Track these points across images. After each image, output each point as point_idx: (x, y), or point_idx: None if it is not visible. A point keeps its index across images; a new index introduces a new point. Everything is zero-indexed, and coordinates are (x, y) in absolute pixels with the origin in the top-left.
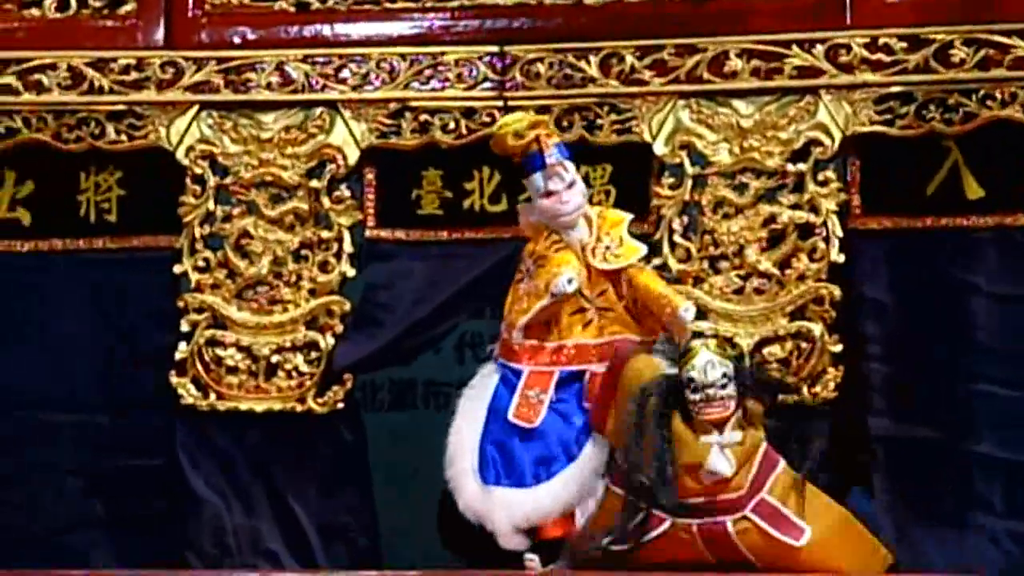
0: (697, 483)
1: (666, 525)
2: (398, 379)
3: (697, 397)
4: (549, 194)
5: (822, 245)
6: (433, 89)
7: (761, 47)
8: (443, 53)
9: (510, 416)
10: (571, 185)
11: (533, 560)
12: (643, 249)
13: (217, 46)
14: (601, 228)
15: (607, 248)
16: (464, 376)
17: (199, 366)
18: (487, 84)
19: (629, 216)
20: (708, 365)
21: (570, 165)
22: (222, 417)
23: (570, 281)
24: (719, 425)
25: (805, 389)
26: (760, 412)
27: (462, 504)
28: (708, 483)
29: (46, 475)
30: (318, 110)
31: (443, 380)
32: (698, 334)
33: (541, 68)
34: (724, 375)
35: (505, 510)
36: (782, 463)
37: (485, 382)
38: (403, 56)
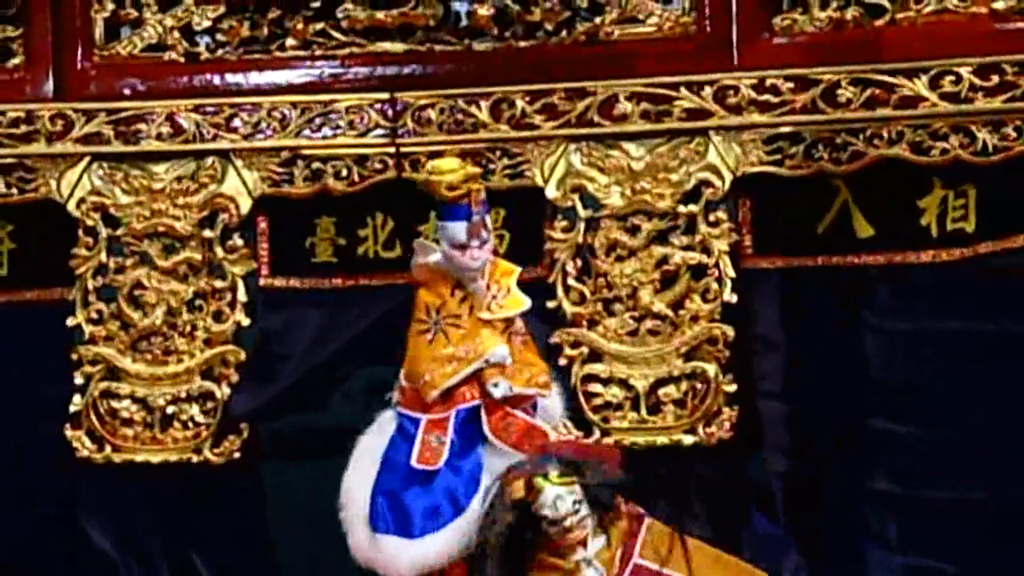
0: None
1: None
2: (306, 426)
3: (555, 530)
4: (463, 247)
5: (715, 285)
6: (325, 136)
7: (650, 90)
8: (334, 100)
9: (413, 463)
10: (483, 244)
11: None
12: (527, 302)
13: (107, 97)
14: (491, 276)
15: (493, 298)
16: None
17: (94, 418)
18: (379, 131)
19: (518, 269)
20: (557, 500)
21: (489, 222)
22: (118, 469)
23: (505, 355)
24: (583, 543)
25: (701, 429)
26: (619, 505)
27: (352, 546)
28: None
29: None
30: (210, 159)
31: (351, 426)
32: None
33: (432, 114)
34: (575, 502)
35: (392, 558)
36: (647, 521)
37: (382, 429)
38: (294, 104)
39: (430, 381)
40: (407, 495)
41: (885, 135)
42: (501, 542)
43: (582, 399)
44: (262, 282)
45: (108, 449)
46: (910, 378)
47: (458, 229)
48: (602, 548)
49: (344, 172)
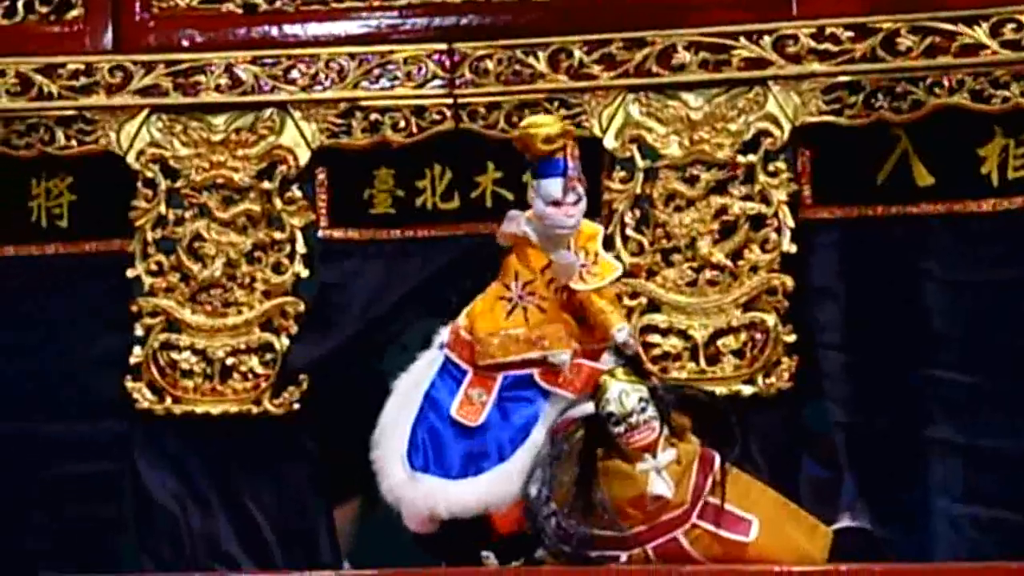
0: (642, 512)
1: (623, 558)
2: (365, 378)
3: (620, 429)
4: (558, 203)
5: (774, 236)
6: (382, 88)
7: (709, 39)
8: (392, 52)
9: (452, 413)
10: (578, 201)
11: (489, 557)
12: (619, 268)
13: (165, 49)
14: (576, 242)
15: (583, 266)
16: None
17: (154, 370)
18: (436, 82)
19: (600, 229)
20: (622, 394)
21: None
22: (178, 421)
23: (566, 361)
24: (650, 449)
25: (760, 379)
26: (688, 425)
27: (384, 486)
28: (653, 508)
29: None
30: (268, 111)
31: None
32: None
33: (490, 65)
34: (640, 399)
35: (427, 498)
36: (718, 460)
37: (424, 368)
38: (352, 56)
39: (488, 351)
40: (450, 436)
41: (945, 83)
42: (574, 463)
43: (640, 349)
44: (321, 234)
45: (168, 400)
46: (971, 328)
47: (554, 185)
48: (671, 462)
49: (402, 123)
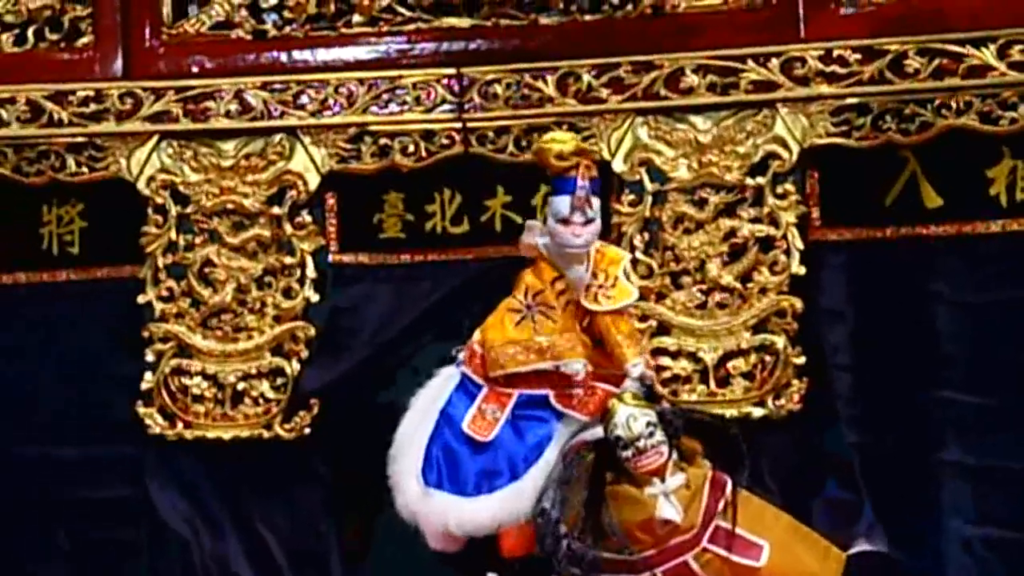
0: (652, 535)
1: None
2: (376, 402)
3: (628, 453)
4: (566, 221)
5: (783, 258)
6: (392, 113)
7: (716, 62)
8: (400, 77)
9: (464, 427)
10: (589, 222)
11: None
12: (635, 293)
13: (175, 75)
14: (598, 264)
15: (600, 287)
16: None
17: (165, 395)
18: (445, 106)
19: (627, 255)
20: (629, 419)
21: (596, 202)
22: (189, 445)
23: (580, 370)
24: (659, 474)
25: (770, 402)
26: (698, 448)
27: (400, 502)
28: (662, 532)
29: (14, 508)
30: (277, 136)
31: None
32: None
33: (499, 89)
34: (648, 424)
35: (440, 514)
36: (729, 484)
37: (442, 384)
38: (361, 81)
39: (500, 361)
40: (464, 453)
41: (953, 105)
42: (583, 487)
43: (655, 378)
44: (331, 258)
45: (180, 426)
46: (980, 348)
47: (563, 202)
48: (680, 487)
49: (411, 148)
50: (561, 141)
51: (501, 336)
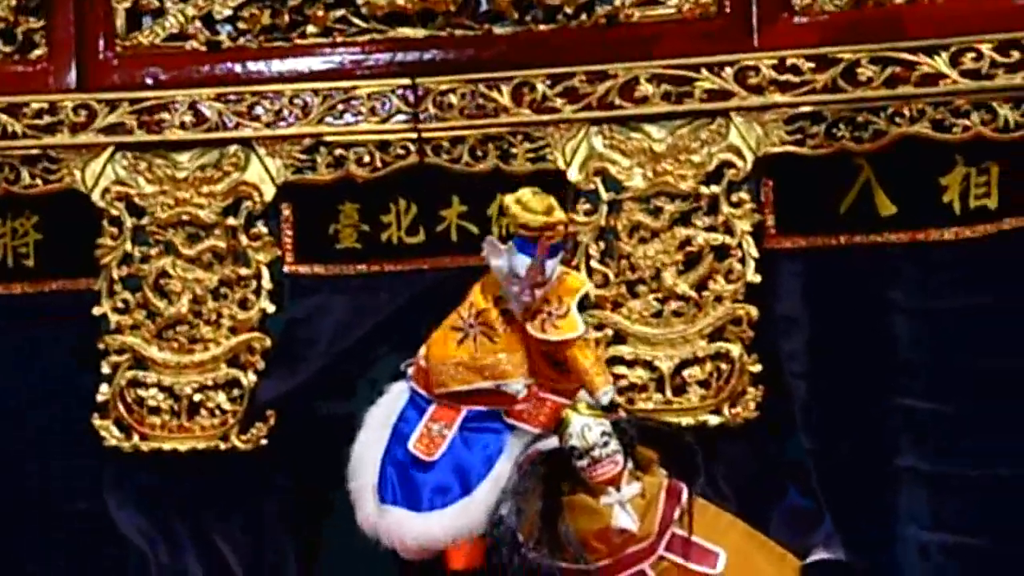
0: (608, 545)
1: None
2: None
3: (584, 463)
4: (517, 277)
5: (738, 266)
6: (347, 123)
7: (671, 71)
8: (355, 87)
9: (410, 446)
10: (537, 287)
11: None
12: (582, 330)
13: (129, 87)
14: (555, 290)
15: (549, 315)
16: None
17: (121, 407)
18: (400, 116)
19: (587, 286)
20: (584, 429)
21: (551, 264)
22: (146, 458)
23: (520, 390)
24: (614, 483)
25: (726, 410)
26: (653, 457)
27: (360, 518)
28: (618, 541)
29: None
30: (232, 148)
31: None
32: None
33: (454, 99)
34: (603, 433)
35: (396, 530)
36: (686, 492)
37: (393, 400)
38: (315, 91)
39: (441, 380)
40: (413, 469)
41: (906, 113)
42: (539, 497)
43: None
44: (287, 269)
45: (136, 438)
46: (935, 355)
47: (521, 262)
48: (635, 495)
49: (367, 158)
50: (532, 211)
51: (443, 353)
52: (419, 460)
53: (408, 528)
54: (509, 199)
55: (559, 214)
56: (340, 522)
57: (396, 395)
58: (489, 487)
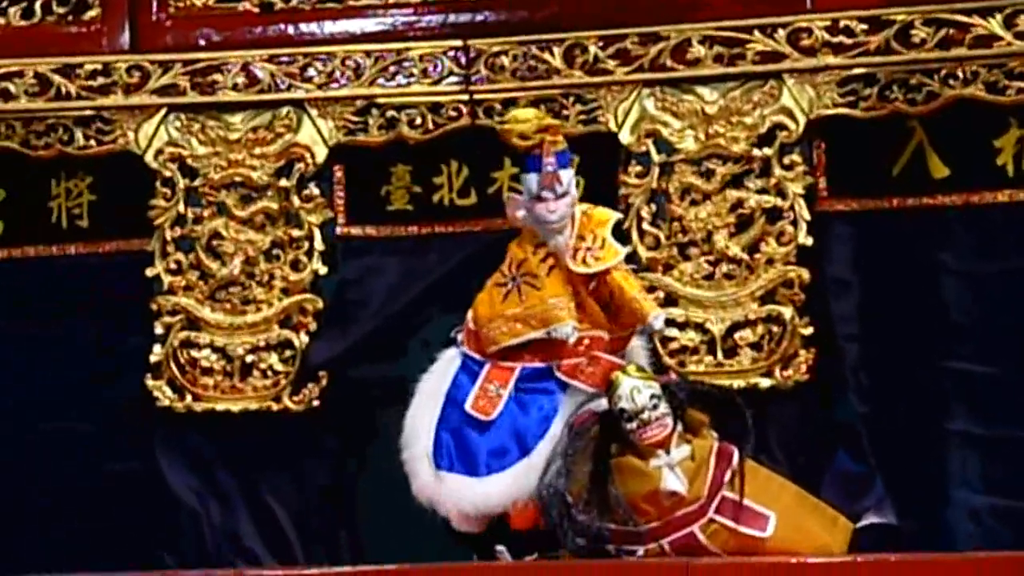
0: (656, 507)
1: (639, 553)
2: (384, 375)
3: (633, 425)
4: (539, 198)
5: (790, 228)
6: (399, 85)
7: (723, 33)
8: (407, 49)
9: (467, 407)
10: (562, 196)
11: (503, 552)
12: (623, 251)
13: (182, 48)
14: (585, 227)
15: (588, 250)
16: None
17: (174, 368)
18: (452, 78)
19: (616, 215)
20: (633, 391)
21: (566, 174)
22: (199, 418)
23: (570, 333)
24: (663, 446)
25: (778, 372)
26: (704, 420)
27: (415, 487)
28: (667, 504)
29: (27, 482)
30: (285, 109)
31: None
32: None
33: (505, 61)
34: (652, 396)
35: (455, 497)
36: (736, 455)
37: (445, 367)
38: (368, 53)
39: (492, 337)
40: (472, 434)
41: (960, 75)
42: (588, 459)
43: (658, 343)
44: (338, 231)
45: (189, 398)
46: (987, 318)
47: (530, 180)
48: (685, 458)
49: (418, 120)
50: (522, 120)
51: (490, 311)
52: (477, 421)
53: (467, 493)
54: (499, 124)
55: (549, 119)
56: (389, 484)
57: (448, 362)
58: (546, 447)
